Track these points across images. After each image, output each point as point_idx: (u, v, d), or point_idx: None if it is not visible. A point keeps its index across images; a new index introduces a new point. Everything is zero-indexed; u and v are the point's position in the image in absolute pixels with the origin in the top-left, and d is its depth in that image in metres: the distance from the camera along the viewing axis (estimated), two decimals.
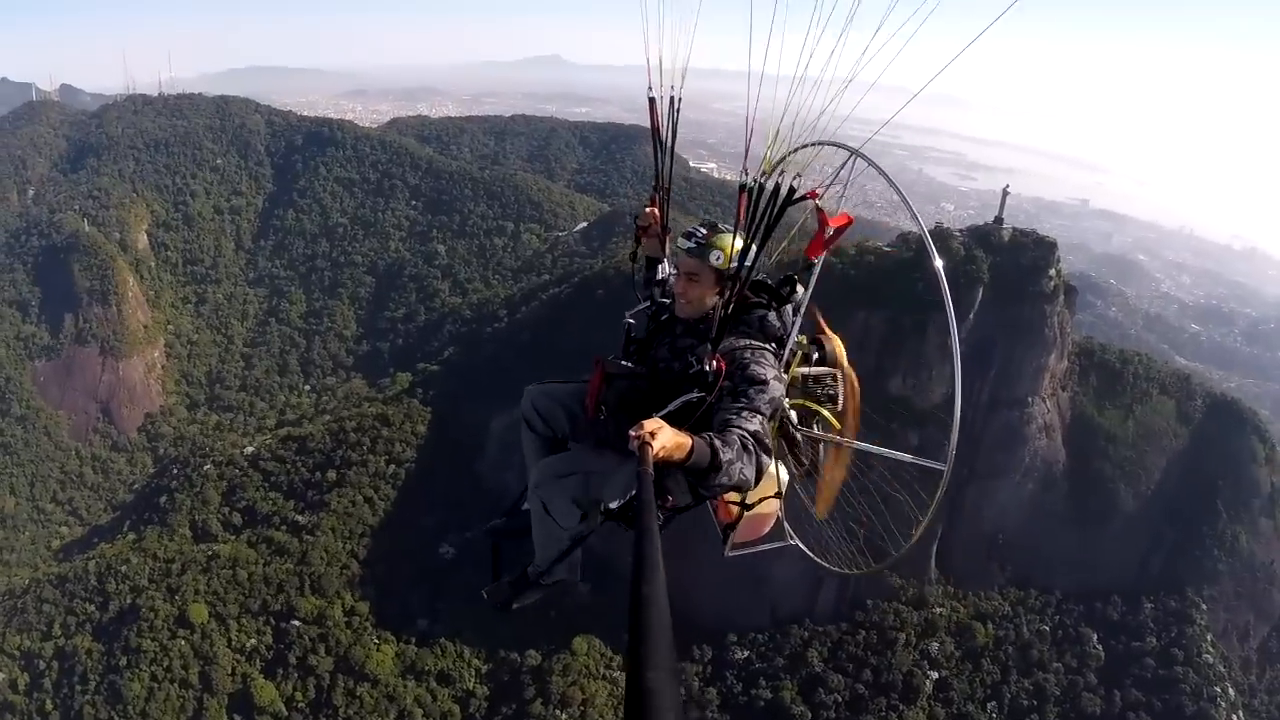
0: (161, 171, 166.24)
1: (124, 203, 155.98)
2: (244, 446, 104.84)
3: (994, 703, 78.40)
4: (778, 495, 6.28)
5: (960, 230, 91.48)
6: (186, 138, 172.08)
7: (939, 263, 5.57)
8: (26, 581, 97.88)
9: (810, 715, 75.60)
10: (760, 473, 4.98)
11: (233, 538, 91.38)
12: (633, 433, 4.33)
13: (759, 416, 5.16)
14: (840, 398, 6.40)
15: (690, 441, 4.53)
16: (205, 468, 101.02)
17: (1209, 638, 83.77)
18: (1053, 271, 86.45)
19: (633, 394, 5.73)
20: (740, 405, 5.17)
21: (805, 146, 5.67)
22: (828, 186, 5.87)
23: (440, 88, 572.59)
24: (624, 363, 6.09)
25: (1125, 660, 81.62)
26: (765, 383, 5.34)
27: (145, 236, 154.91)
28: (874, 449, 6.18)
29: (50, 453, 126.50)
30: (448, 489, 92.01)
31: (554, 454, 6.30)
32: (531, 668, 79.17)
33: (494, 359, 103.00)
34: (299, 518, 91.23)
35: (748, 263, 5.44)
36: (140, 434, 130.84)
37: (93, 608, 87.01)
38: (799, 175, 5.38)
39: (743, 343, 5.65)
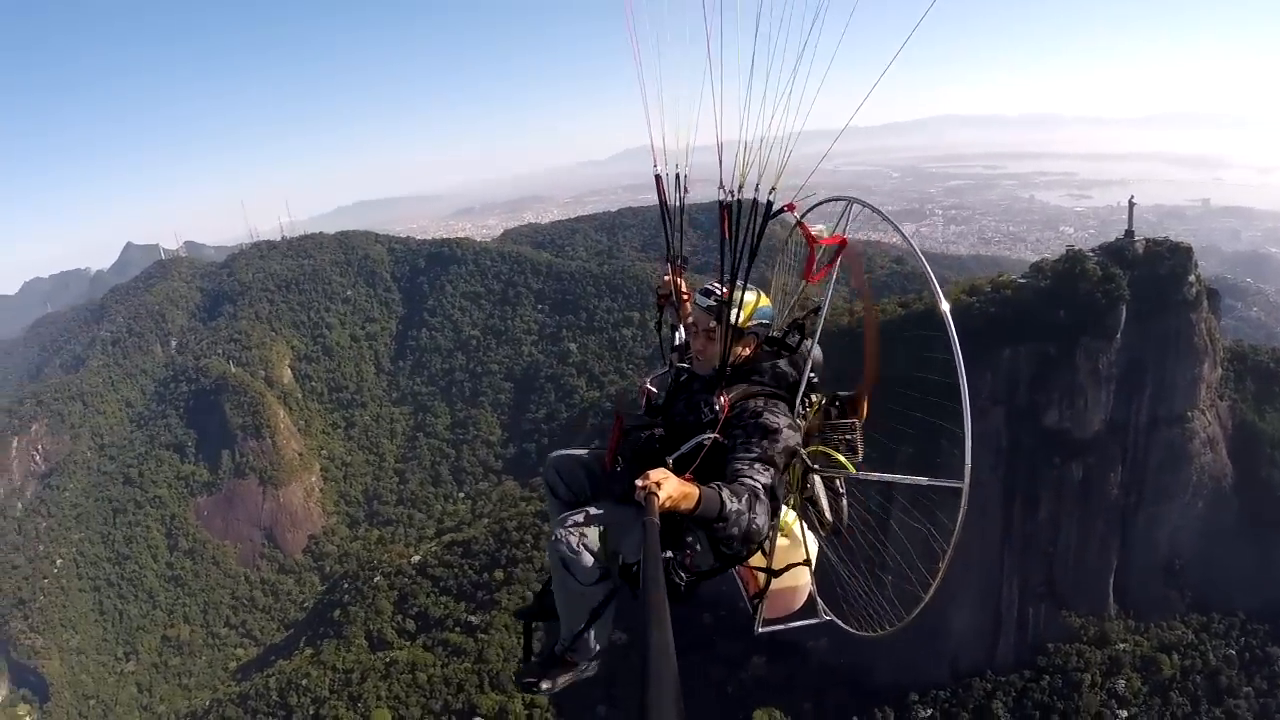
0: (295, 309, 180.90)
1: (264, 342, 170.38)
2: (410, 556, 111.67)
3: None
4: (806, 563, 6.45)
5: (1092, 251, 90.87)
6: (315, 275, 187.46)
7: (945, 306, 5.40)
8: (208, 702, 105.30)
9: None
10: (772, 524, 5.15)
11: (408, 643, 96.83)
12: (639, 482, 4.51)
13: (771, 469, 5.25)
14: (860, 448, 6.44)
15: (697, 491, 4.66)
16: (375, 579, 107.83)
17: None
18: (1193, 278, 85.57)
19: (648, 445, 5.81)
20: (753, 456, 5.29)
21: (814, 208, 6.13)
22: (813, 200, 6.27)
23: (542, 194, 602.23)
24: (643, 416, 6.32)
25: None
26: (777, 432, 5.48)
27: (289, 371, 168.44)
28: (890, 478, 6.14)
29: (220, 580, 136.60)
30: None
31: None
32: None
33: None
34: (472, 618, 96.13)
35: (738, 285, 5.82)
36: (305, 555, 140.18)
37: None
38: (774, 189, 5.51)
39: (754, 390, 5.86)
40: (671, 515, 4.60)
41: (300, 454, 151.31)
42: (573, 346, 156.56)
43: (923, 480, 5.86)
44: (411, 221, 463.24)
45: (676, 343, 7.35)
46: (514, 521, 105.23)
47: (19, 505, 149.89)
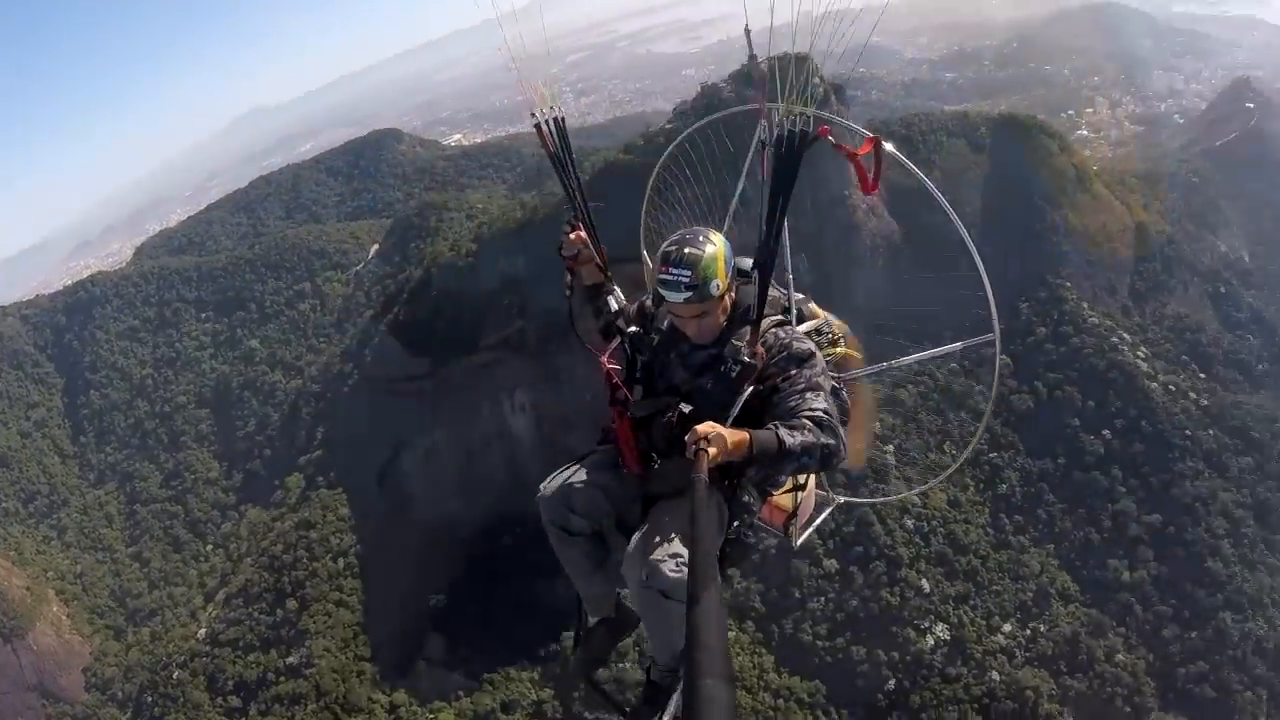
0: None
1: None
2: (195, 633, 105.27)
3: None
4: None
5: (723, 82, 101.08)
6: None
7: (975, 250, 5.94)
8: None
9: None
10: (842, 442, 5.03)
11: (244, 719, 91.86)
12: (689, 438, 4.40)
13: (822, 392, 5.14)
14: (842, 339, 6.78)
15: (747, 435, 4.57)
16: (174, 676, 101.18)
17: (1086, 308, 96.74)
18: (817, 79, 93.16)
19: (680, 425, 5.25)
20: (800, 388, 5.16)
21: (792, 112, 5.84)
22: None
23: (161, 195, 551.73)
24: (649, 400, 5.68)
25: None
26: (812, 355, 5.38)
27: None
28: (921, 356, 6.49)
29: None
30: (402, 543, 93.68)
31: (602, 548, 5.88)
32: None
33: (368, 408, 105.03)
34: (289, 660, 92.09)
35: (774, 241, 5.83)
36: (91, 692, 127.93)
37: None
38: (802, 113, 5.59)
39: (765, 322, 5.63)
40: (725, 467, 4.66)
41: (28, 589, 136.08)
42: (254, 343, 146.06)
43: (957, 346, 6.34)
44: (30, 280, 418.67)
45: (614, 308, 6.28)
46: (278, 546, 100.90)
47: None
